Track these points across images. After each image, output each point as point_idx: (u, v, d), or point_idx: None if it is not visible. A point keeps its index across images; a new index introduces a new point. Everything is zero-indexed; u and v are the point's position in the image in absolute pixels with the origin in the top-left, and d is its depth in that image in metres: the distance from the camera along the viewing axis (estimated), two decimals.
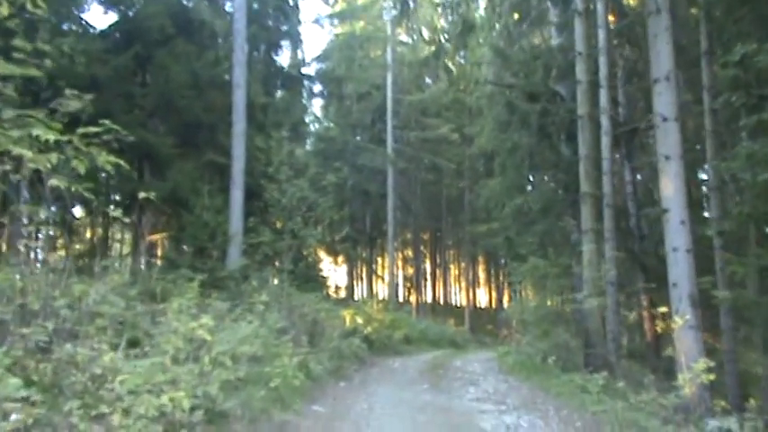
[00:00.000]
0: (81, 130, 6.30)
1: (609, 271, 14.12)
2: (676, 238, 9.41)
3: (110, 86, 15.07)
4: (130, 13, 17.40)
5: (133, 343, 7.36)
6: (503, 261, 44.32)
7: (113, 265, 10.28)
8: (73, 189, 6.92)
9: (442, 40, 43.63)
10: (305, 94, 30.03)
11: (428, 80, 45.67)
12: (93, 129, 6.34)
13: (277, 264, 16.11)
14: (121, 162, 6.61)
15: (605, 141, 16.36)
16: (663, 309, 9.38)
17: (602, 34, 15.05)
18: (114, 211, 8.23)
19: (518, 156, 21.33)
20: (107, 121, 6.63)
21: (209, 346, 7.04)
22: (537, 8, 22.08)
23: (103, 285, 7.90)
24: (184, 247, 15.72)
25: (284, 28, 23.18)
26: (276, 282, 15.41)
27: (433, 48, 43.35)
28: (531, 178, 25.48)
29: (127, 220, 12.17)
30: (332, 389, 11.16)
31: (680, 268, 9.32)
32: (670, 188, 9.46)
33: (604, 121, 16.28)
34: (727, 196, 14.62)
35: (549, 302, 18.41)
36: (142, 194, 7.93)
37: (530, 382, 12.59)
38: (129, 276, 10.75)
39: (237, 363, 8.36)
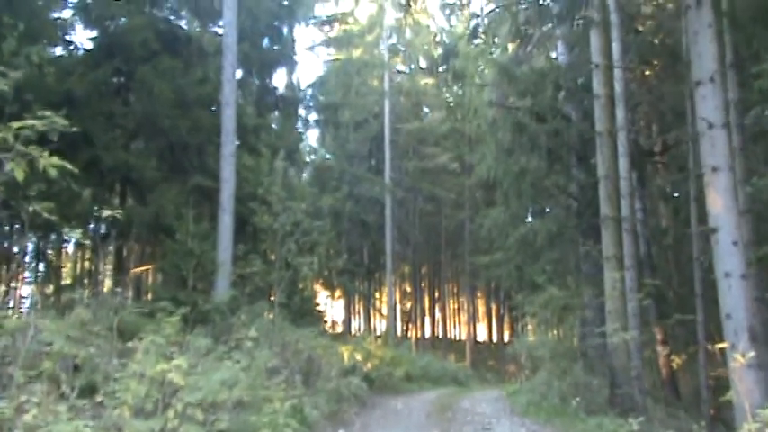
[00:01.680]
0: (16, 124, 5.04)
1: (630, 302, 12.87)
2: (728, 261, 8.15)
3: (87, 104, 13.91)
4: (111, 27, 16.19)
5: (89, 390, 6.07)
6: (504, 294, 42.99)
7: (79, 298, 9.04)
8: (30, 209, 5.76)
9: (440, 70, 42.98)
10: (300, 123, 28.94)
11: (426, 109, 44.74)
12: (30, 122, 5.07)
13: (270, 296, 14.83)
14: (67, 165, 5.33)
15: (623, 162, 15.24)
16: (721, 344, 8.05)
17: (616, 47, 13.96)
18: (71, 233, 6.95)
19: (525, 181, 20.10)
20: (48, 113, 5.39)
21: (181, 394, 5.76)
22: (540, 29, 21.07)
23: (60, 321, 6.63)
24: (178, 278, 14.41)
25: (277, 48, 21.97)
26: (268, 316, 14.11)
27: (430, 79, 42.76)
28: (539, 205, 24.24)
29: (86, 242, 10.87)
30: None
31: (734, 297, 8.05)
32: (719, 204, 8.23)
33: (622, 140, 15.18)
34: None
35: (568, 336, 17.06)
36: (106, 213, 6.68)
37: (551, 427, 11.24)
38: (97, 310, 9.51)
39: (218, 411, 7.07)
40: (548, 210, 25.09)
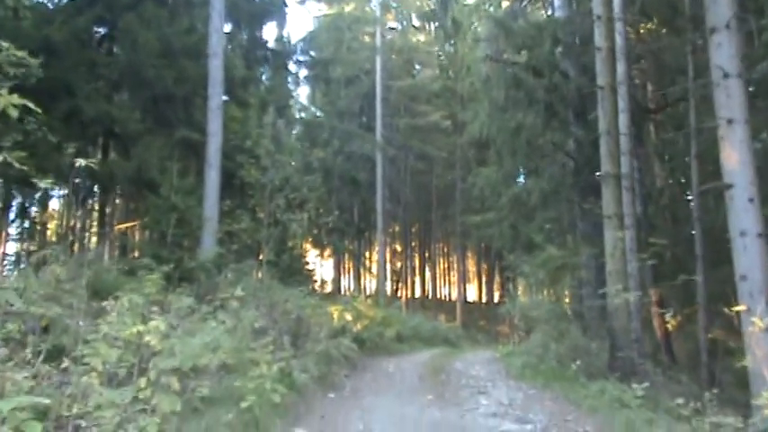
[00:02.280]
0: None
1: (630, 262, 12.43)
2: (744, 219, 7.67)
3: (68, 52, 13.21)
4: None
5: (58, 354, 5.56)
6: (495, 254, 42.64)
7: (54, 254, 8.51)
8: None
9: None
10: (290, 79, 28.21)
11: (418, 67, 43.97)
12: None
13: (258, 254, 14.32)
14: (29, 104, 4.74)
15: (623, 118, 14.71)
16: (738, 307, 7.59)
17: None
18: (43, 181, 6.39)
19: (520, 138, 19.55)
20: (20, 53, 4.82)
21: (158, 359, 5.26)
22: None
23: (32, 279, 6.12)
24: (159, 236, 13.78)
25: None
26: (256, 274, 13.63)
27: (422, 36, 41.98)
28: (533, 163, 23.70)
29: (62, 192, 10.28)
30: (320, 402, 9.36)
31: (750, 257, 7.58)
32: (734, 159, 7.73)
33: (622, 95, 14.63)
34: None
35: (562, 298, 16.65)
36: (80, 162, 6.11)
37: (551, 392, 10.82)
38: (76, 268, 8.98)
39: (199, 376, 6.59)
40: (542, 168, 24.57)
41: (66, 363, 4.86)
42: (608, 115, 12.49)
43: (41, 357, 4.99)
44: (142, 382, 4.71)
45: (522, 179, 27.20)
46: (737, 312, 7.67)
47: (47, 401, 3.78)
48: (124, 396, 4.42)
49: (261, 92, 18.81)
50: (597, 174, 13.24)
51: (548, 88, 16.54)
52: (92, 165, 6.24)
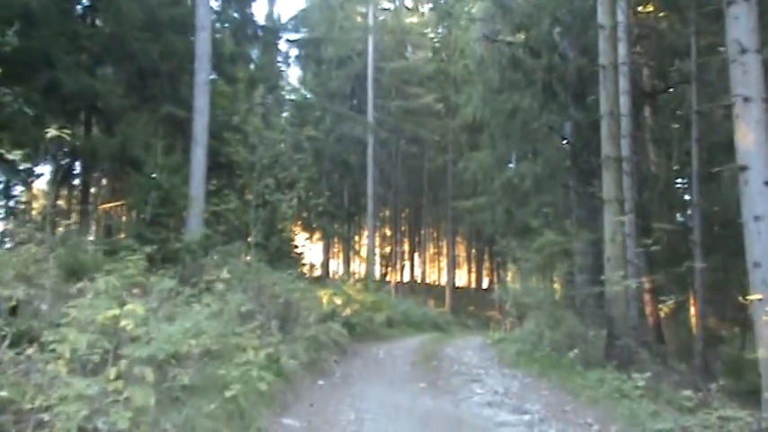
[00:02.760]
0: None
1: (628, 248, 12.08)
2: (759, 203, 7.25)
3: (47, 22, 12.62)
4: None
5: (28, 338, 5.13)
6: (486, 239, 42.29)
7: (30, 234, 8.06)
8: None
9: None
10: (281, 58, 27.64)
11: (410, 48, 43.42)
12: None
13: (246, 236, 13.86)
14: None
15: (624, 100, 14.35)
16: (754, 296, 7.19)
17: None
18: (12, 154, 5.92)
19: (515, 121, 19.12)
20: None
21: (133, 347, 4.84)
22: None
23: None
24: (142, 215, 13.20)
25: None
26: (244, 257, 13.19)
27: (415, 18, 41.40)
28: (529, 146, 23.33)
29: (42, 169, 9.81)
30: (308, 390, 8.97)
31: (764, 243, 7.18)
32: (750, 139, 7.32)
33: (624, 75, 14.25)
34: None
35: (556, 284, 16.28)
36: (52, 132, 5.68)
37: (547, 381, 10.45)
38: (54, 247, 8.54)
39: (180, 364, 6.19)
40: (537, 152, 24.21)
41: (31, 349, 4.42)
42: (610, 96, 12.07)
43: (6, 343, 4.56)
44: (112, 372, 4.27)
45: (516, 163, 26.84)
46: (750, 301, 7.28)
47: (2, 393, 3.36)
48: (93, 386, 4.00)
49: (250, 70, 18.23)
50: (600, 157, 12.83)
51: (546, 69, 16.13)
52: (65, 136, 5.81)
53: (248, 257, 12.75)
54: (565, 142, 18.22)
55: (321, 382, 9.65)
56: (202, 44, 13.69)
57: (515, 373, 11.55)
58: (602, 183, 12.13)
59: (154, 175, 11.94)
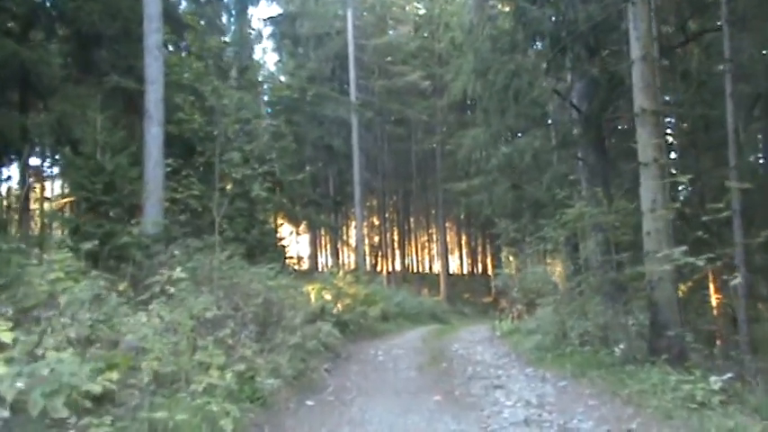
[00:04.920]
0: None
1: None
2: None
3: None
4: None
5: None
6: (482, 223, 40.32)
7: None
8: None
9: None
10: (253, 37, 25.47)
11: (391, 23, 41.31)
12: None
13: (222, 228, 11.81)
14: None
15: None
16: None
17: None
18: None
19: (521, 82, 17.08)
20: None
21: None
22: None
23: None
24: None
25: None
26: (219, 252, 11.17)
27: None
28: (532, 114, 21.42)
29: None
30: (293, 416, 6.91)
31: None
32: None
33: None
34: None
35: (570, 267, 14.31)
36: None
37: (588, 384, 8.41)
38: None
39: (101, 406, 4.20)
40: (538, 123, 22.34)
41: None
42: (642, 37, 10.09)
43: None
44: None
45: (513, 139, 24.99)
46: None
47: None
48: None
49: (218, 40, 16.02)
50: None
51: (555, 18, 14.07)
52: None
53: (222, 252, 10.73)
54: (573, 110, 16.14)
55: (310, 402, 7.63)
56: (152, 1, 11.54)
57: (543, 375, 9.59)
58: (638, 142, 10.15)
59: (94, 156, 9.77)
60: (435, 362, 11.52)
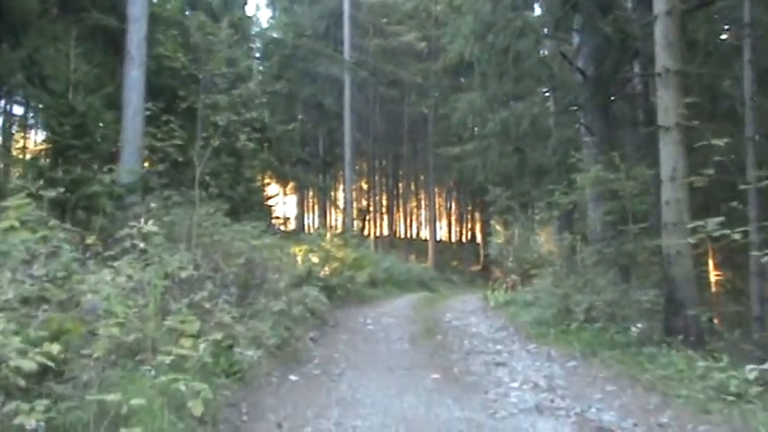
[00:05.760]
0: None
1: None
2: None
3: None
4: None
5: None
6: (473, 189, 39.56)
7: None
8: None
9: None
10: None
11: None
12: None
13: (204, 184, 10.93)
14: None
15: None
16: None
17: None
18: None
19: (526, 43, 16.21)
20: None
21: None
22: None
23: None
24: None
25: None
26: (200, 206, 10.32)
27: None
28: (532, 80, 20.68)
29: None
30: (274, 394, 6.16)
31: None
32: None
33: None
34: None
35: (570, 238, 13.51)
36: None
37: (600, 366, 7.65)
38: None
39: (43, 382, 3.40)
40: (539, 87, 21.59)
41: None
42: None
43: None
44: None
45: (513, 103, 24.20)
46: None
47: None
48: None
49: None
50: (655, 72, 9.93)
51: None
52: None
53: (203, 207, 9.88)
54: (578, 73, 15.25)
55: (294, 377, 6.86)
56: None
57: (548, 352, 8.85)
58: (659, 104, 9.34)
59: (66, 95, 8.80)
60: (429, 333, 10.78)
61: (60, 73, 8.90)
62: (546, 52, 21.11)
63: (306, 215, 44.39)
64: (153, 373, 4.74)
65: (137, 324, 5.22)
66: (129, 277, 5.92)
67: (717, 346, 8.01)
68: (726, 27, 14.86)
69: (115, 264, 5.93)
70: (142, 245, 6.04)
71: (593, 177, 9.56)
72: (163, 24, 9.21)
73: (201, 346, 5.39)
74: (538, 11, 19.26)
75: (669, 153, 9.09)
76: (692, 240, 8.10)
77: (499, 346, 9.54)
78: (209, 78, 8.60)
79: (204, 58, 8.42)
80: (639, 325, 8.18)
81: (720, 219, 7.21)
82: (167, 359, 4.83)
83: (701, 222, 7.42)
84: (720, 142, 8.09)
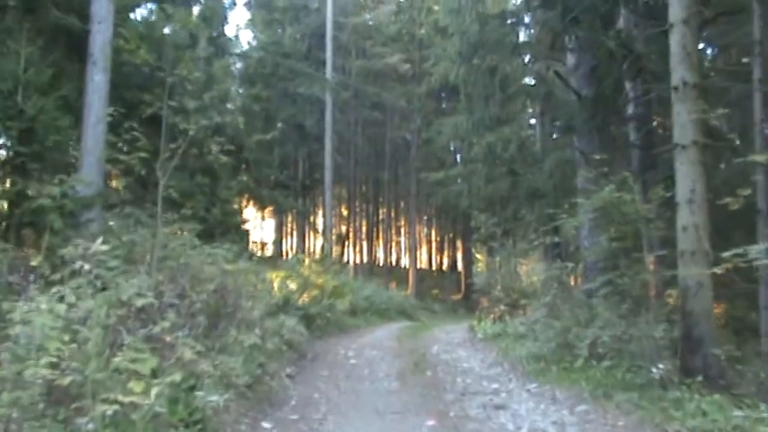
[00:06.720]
0: None
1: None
2: None
3: None
4: None
5: None
6: (457, 216, 38.81)
7: None
8: None
9: None
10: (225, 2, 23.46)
11: (372, 3, 39.50)
12: None
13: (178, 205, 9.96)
14: None
15: None
16: None
17: None
18: None
19: (514, 65, 15.51)
20: None
21: None
22: None
23: None
24: None
25: None
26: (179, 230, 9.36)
27: None
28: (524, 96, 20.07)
29: None
30: None
31: None
32: None
33: None
34: None
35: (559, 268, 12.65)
36: None
37: (618, 412, 6.69)
38: None
39: None
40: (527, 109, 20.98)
41: None
42: None
43: None
44: None
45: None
46: None
47: None
48: None
49: None
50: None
51: None
52: None
53: (169, 225, 8.91)
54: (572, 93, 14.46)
55: (267, 425, 5.86)
56: None
57: (552, 393, 7.91)
58: (674, 120, 8.53)
59: (14, 96, 7.77)
60: (417, 369, 9.80)
61: (8, 71, 7.92)
62: (533, 75, 20.64)
63: (284, 240, 43.35)
64: (90, 427, 3.79)
65: (74, 364, 4.26)
66: (71, 306, 4.96)
67: (744, 391, 7.12)
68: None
69: (56, 289, 4.96)
70: (87, 267, 5.05)
71: (607, 199, 8.69)
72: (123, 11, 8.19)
73: (154, 391, 4.42)
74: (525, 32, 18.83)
75: (686, 173, 8.25)
76: (718, 270, 7.23)
77: (495, 385, 8.60)
78: (173, 74, 7.64)
79: (169, 51, 7.48)
80: (661, 366, 7.24)
81: (765, 246, 6.34)
82: (110, 409, 3.87)
83: (739, 250, 6.50)
84: (762, 159, 7.24)
